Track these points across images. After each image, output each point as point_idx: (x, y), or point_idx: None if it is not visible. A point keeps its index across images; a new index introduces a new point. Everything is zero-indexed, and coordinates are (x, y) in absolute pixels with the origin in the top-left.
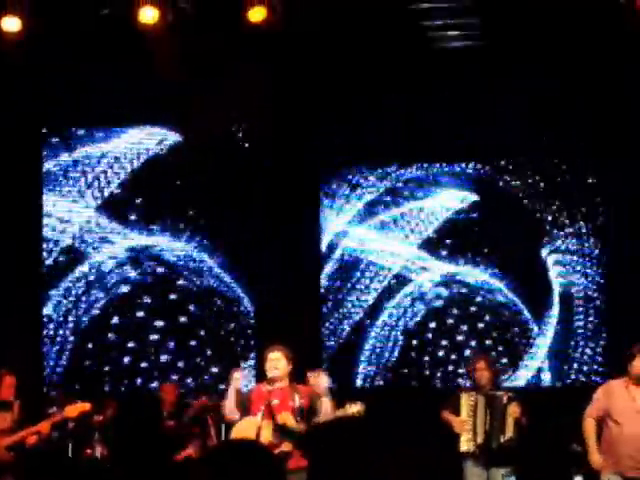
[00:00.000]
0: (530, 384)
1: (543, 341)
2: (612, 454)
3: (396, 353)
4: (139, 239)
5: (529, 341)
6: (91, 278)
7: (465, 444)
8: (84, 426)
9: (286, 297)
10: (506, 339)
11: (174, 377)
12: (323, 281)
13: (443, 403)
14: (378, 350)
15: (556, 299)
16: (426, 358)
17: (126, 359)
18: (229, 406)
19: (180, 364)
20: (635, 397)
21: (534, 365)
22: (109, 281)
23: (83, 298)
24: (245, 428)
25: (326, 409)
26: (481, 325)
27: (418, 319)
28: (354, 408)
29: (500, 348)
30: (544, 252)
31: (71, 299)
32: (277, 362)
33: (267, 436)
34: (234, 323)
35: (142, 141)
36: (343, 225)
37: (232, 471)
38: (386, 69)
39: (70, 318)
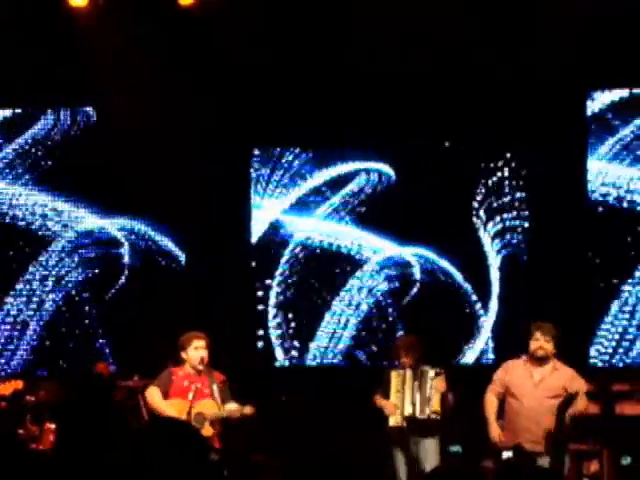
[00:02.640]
0: (477, 362)
1: (486, 319)
2: (512, 428)
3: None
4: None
5: (473, 319)
6: None
7: (392, 419)
8: (16, 405)
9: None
10: (450, 318)
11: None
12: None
13: (375, 387)
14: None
15: (495, 275)
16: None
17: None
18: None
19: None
20: (532, 373)
21: (479, 344)
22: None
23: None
24: (177, 410)
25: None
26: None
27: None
28: (246, 410)
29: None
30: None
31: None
32: (204, 350)
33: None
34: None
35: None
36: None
37: (161, 449)
38: None
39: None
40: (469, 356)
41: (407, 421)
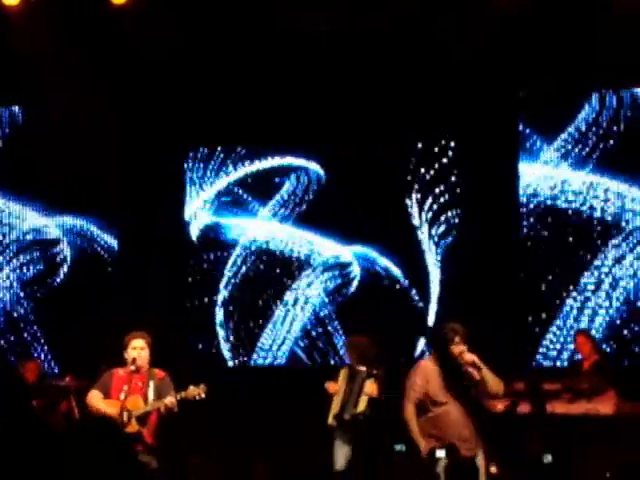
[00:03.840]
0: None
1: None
2: (441, 436)
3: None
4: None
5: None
6: None
7: (330, 418)
8: None
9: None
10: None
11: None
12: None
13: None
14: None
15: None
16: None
17: None
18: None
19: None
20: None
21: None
22: None
23: None
24: (112, 409)
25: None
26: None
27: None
28: (195, 391)
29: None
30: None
31: None
32: (140, 351)
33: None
34: None
35: None
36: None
37: (88, 446)
38: None
39: None
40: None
41: (336, 420)
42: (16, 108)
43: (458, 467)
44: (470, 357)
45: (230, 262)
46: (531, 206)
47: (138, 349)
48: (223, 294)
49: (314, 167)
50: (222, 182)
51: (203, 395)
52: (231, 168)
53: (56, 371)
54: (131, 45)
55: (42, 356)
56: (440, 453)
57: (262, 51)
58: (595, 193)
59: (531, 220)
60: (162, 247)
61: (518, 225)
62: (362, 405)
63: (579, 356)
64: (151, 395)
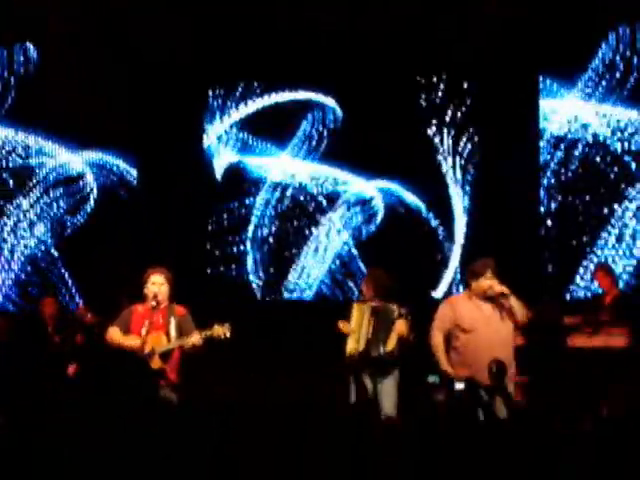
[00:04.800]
0: (448, 294)
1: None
2: (468, 364)
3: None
4: None
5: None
6: None
7: (348, 349)
8: None
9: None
10: (418, 250)
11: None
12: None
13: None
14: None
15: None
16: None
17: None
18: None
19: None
20: (481, 306)
21: (449, 275)
22: None
23: None
24: (132, 345)
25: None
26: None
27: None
28: (221, 330)
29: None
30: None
31: None
32: (160, 286)
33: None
34: None
35: None
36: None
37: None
38: None
39: None
40: (439, 290)
41: (360, 356)
42: (30, 45)
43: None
44: (499, 288)
45: (257, 200)
46: (554, 138)
47: (158, 284)
48: (251, 231)
49: (330, 103)
50: (240, 114)
51: (228, 334)
52: (249, 102)
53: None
54: None
55: (68, 292)
56: (459, 385)
57: None
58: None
59: (555, 151)
60: (183, 181)
61: (538, 156)
62: (392, 343)
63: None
64: (173, 332)
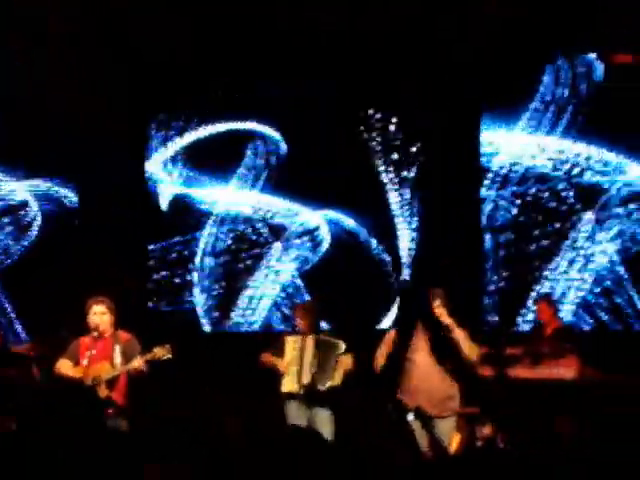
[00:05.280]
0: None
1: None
2: (410, 392)
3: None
4: None
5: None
6: None
7: (288, 385)
8: None
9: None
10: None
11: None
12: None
13: (265, 348)
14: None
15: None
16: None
17: None
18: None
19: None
20: (424, 336)
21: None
22: None
23: None
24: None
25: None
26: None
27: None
28: (161, 352)
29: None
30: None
31: None
32: (102, 316)
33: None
34: None
35: None
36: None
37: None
38: None
39: None
40: (386, 322)
41: (304, 389)
42: None
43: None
44: (445, 320)
45: (204, 232)
46: (494, 169)
47: (99, 314)
48: (199, 262)
49: (273, 134)
50: (181, 142)
51: (169, 355)
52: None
53: (23, 337)
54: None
55: (8, 322)
56: (410, 417)
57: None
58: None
59: (495, 184)
60: (125, 209)
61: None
62: (338, 378)
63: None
64: (118, 358)
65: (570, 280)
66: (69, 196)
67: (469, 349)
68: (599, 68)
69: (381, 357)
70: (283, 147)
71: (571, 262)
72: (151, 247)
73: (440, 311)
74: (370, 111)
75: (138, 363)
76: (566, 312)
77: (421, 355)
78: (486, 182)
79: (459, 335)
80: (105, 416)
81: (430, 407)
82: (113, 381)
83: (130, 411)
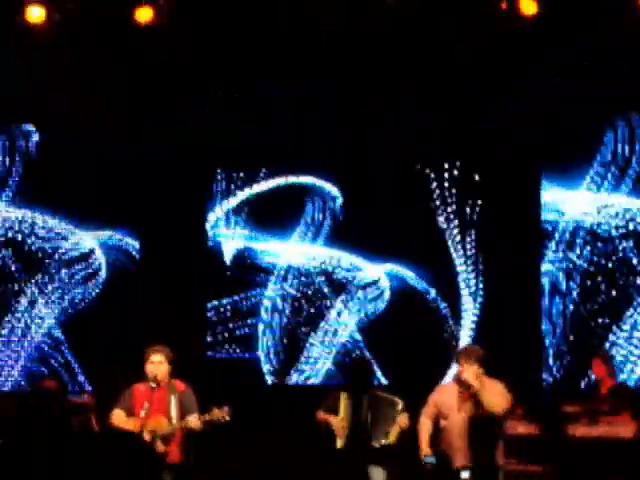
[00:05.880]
0: None
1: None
2: (443, 447)
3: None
4: None
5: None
6: None
7: (341, 441)
8: None
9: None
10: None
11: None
12: None
13: (321, 404)
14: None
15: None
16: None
17: None
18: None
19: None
20: (456, 393)
21: None
22: None
23: None
24: (129, 426)
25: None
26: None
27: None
28: (219, 413)
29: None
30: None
31: None
32: (159, 365)
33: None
34: None
35: None
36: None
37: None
38: None
39: None
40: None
41: (358, 446)
42: (31, 127)
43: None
44: (465, 377)
45: (269, 286)
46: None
47: (156, 364)
48: (264, 315)
49: (332, 189)
50: (241, 197)
51: (227, 418)
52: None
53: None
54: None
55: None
56: (430, 459)
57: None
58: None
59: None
60: (185, 259)
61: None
62: (394, 436)
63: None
64: (174, 411)
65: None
66: (133, 246)
67: (492, 405)
68: None
69: (424, 416)
70: (340, 201)
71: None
72: (214, 303)
73: (465, 369)
74: (427, 170)
75: (195, 424)
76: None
77: (454, 412)
78: (549, 244)
79: (480, 391)
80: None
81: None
82: (168, 437)
83: (187, 465)
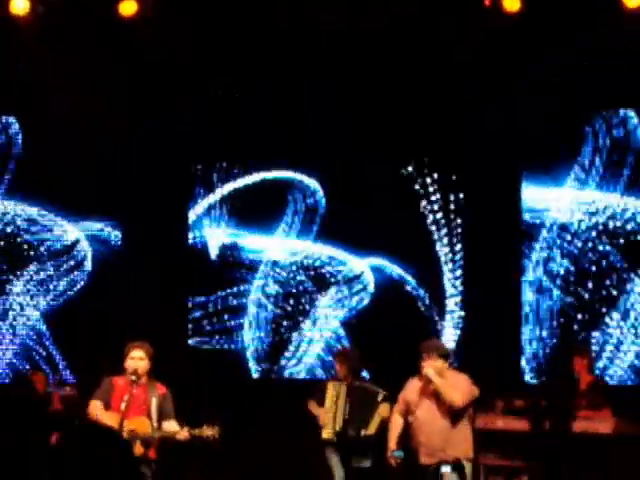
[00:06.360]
0: None
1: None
2: (412, 442)
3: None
4: None
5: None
6: None
7: (326, 432)
8: None
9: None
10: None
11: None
12: None
13: (309, 394)
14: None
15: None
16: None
17: None
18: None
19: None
20: (419, 388)
21: None
22: None
23: None
24: (108, 419)
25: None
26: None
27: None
28: (209, 431)
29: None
30: None
31: None
32: (139, 361)
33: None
34: None
35: None
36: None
37: (90, 453)
38: None
39: None
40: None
41: (337, 436)
42: (11, 119)
43: (415, 470)
44: (425, 372)
45: (255, 281)
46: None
47: (137, 359)
48: (250, 310)
49: (312, 184)
50: (223, 191)
51: (217, 437)
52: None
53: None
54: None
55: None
56: (398, 453)
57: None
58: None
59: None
60: (167, 251)
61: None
62: (374, 427)
63: None
64: (154, 414)
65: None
66: (116, 236)
67: (449, 396)
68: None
69: (395, 413)
70: (321, 195)
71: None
72: (201, 299)
73: (425, 364)
74: (409, 168)
75: (183, 435)
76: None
77: (419, 407)
78: (528, 238)
79: (439, 385)
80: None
81: (422, 454)
82: (150, 440)
83: (158, 461)
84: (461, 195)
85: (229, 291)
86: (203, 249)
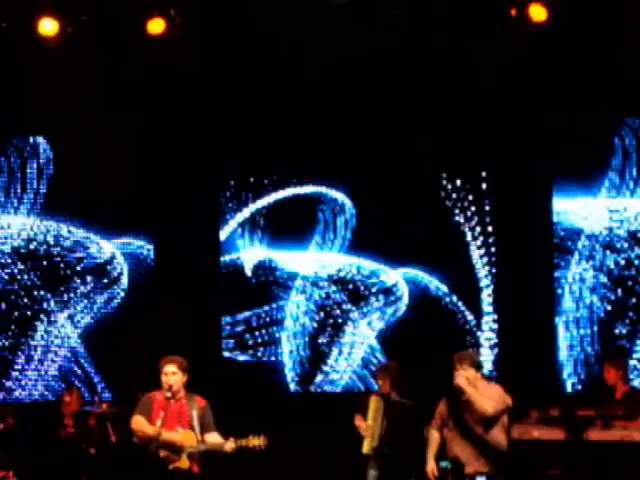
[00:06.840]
0: None
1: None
2: (449, 454)
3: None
4: None
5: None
6: None
7: (365, 447)
8: None
9: None
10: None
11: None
12: None
13: (356, 408)
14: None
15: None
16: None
17: None
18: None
19: None
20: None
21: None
22: None
23: None
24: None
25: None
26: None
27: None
28: (256, 441)
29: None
30: None
31: None
32: (173, 376)
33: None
34: None
35: None
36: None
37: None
38: None
39: None
40: None
41: (374, 451)
42: (41, 138)
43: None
44: (457, 383)
45: (290, 296)
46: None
47: (170, 374)
48: (288, 324)
49: (341, 197)
50: (253, 208)
51: (263, 447)
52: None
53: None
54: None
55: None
56: (443, 463)
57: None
58: None
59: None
60: (200, 269)
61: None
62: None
63: None
64: (197, 428)
65: None
66: (149, 252)
67: (481, 405)
68: None
69: (432, 429)
70: (350, 206)
71: None
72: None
73: (455, 375)
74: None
75: (230, 447)
76: None
77: (452, 422)
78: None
79: (471, 393)
80: None
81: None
82: (196, 453)
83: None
84: (491, 205)
85: (267, 308)
86: (237, 265)
